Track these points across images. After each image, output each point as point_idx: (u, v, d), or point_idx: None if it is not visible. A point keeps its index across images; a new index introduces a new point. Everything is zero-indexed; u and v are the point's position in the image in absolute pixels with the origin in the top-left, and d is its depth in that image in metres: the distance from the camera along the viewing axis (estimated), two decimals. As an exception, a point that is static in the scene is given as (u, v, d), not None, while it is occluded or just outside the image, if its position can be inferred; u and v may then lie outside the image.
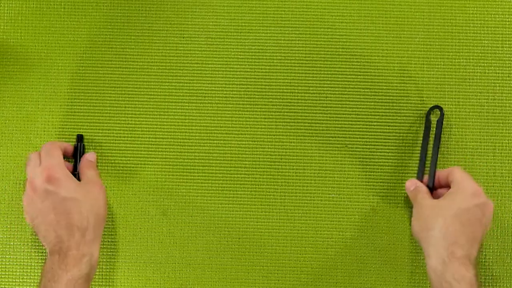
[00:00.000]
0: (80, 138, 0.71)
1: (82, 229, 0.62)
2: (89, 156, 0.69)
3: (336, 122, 0.72)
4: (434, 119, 0.71)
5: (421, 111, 0.72)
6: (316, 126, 0.72)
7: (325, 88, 0.73)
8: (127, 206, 0.71)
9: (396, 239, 0.71)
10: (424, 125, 0.71)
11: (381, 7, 0.74)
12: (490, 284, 0.70)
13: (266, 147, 0.72)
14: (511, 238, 0.71)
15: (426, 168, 0.70)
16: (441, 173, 0.68)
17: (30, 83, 0.73)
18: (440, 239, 0.61)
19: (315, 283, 0.70)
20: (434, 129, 0.70)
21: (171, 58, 0.73)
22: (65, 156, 0.69)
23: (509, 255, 0.71)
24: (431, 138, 0.71)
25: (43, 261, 0.71)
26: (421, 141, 0.71)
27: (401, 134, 0.72)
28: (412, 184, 0.68)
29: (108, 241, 0.71)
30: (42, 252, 0.71)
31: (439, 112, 0.71)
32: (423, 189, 0.67)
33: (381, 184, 0.71)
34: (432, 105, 0.71)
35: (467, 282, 0.58)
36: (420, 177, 0.70)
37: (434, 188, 0.69)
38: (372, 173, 0.71)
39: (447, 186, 0.67)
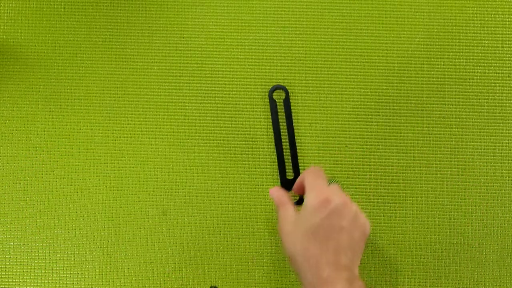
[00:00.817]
0: None
1: None
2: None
3: (337, 122, 0.72)
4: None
5: (421, 111, 0.72)
6: (316, 126, 0.72)
7: (325, 88, 0.73)
8: (127, 206, 0.71)
9: (396, 239, 0.71)
10: (270, 108, 0.71)
11: (381, 7, 0.74)
12: (490, 284, 0.70)
13: (266, 147, 0.72)
14: (511, 238, 0.71)
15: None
16: (298, 180, 0.61)
17: (30, 83, 0.73)
18: (303, 263, 0.53)
19: (315, 283, 0.70)
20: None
21: (171, 58, 0.73)
22: None
23: (509, 255, 0.71)
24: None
25: (43, 261, 0.71)
26: (421, 142, 0.71)
27: (401, 134, 0.72)
28: (274, 192, 0.61)
29: (108, 241, 0.71)
30: (43, 252, 0.71)
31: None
32: (285, 199, 0.59)
33: (381, 184, 0.71)
34: (275, 85, 0.71)
35: None
36: (282, 168, 0.70)
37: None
38: (372, 173, 0.71)
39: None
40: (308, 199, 0.55)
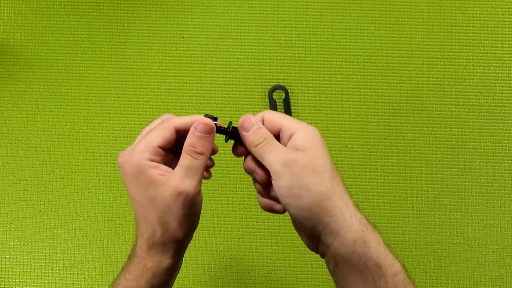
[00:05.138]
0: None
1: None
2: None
3: (336, 122, 0.72)
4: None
5: (421, 111, 0.72)
6: (316, 126, 0.72)
7: (325, 88, 0.73)
8: (127, 206, 0.71)
9: (396, 239, 0.71)
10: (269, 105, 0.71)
11: (381, 7, 0.74)
12: (490, 284, 0.70)
13: (266, 147, 0.72)
14: (510, 238, 0.71)
15: None
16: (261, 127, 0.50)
17: (30, 83, 0.73)
18: (341, 199, 0.43)
19: (315, 283, 0.70)
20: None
21: (171, 58, 0.73)
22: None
23: (509, 255, 0.71)
24: None
25: (43, 261, 0.71)
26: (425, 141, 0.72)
27: (401, 134, 0.72)
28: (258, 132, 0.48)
29: (108, 241, 0.71)
30: (43, 252, 0.71)
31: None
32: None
33: (381, 184, 0.71)
34: (275, 85, 0.72)
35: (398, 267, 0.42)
36: None
37: None
38: (372, 173, 0.71)
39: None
40: (309, 132, 0.48)
